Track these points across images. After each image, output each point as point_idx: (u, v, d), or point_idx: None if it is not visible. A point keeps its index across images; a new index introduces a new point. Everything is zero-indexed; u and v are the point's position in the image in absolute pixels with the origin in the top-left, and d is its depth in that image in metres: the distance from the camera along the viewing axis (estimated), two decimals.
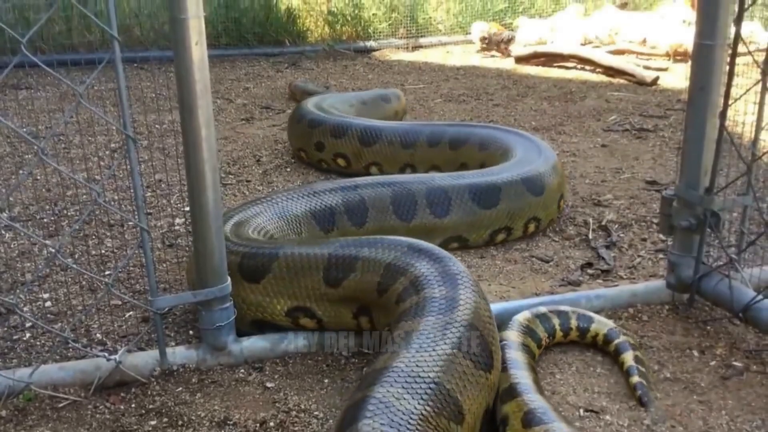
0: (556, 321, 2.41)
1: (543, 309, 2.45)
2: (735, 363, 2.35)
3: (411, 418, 1.63)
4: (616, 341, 2.37)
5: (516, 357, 2.17)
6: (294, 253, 2.44)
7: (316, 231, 3.07)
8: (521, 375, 2.08)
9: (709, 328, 2.55)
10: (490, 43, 8.17)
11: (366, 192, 3.21)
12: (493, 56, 8.18)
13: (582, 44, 7.92)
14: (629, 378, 2.24)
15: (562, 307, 2.48)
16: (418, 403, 1.68)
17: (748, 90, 2.44)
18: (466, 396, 1.81)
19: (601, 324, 2.43)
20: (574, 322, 2.43)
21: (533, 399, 1.95)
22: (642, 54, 7.68)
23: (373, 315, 2.36)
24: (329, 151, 4.37)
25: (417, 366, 1.78)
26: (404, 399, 1.67)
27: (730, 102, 2.38)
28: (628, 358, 2.30)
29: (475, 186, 3.27)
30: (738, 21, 2.32)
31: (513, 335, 2.29)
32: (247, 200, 3.60)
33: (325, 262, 2.39)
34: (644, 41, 7.80)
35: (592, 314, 2.47)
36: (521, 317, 2.39)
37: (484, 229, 3.26)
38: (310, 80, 6.91)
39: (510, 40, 8.08)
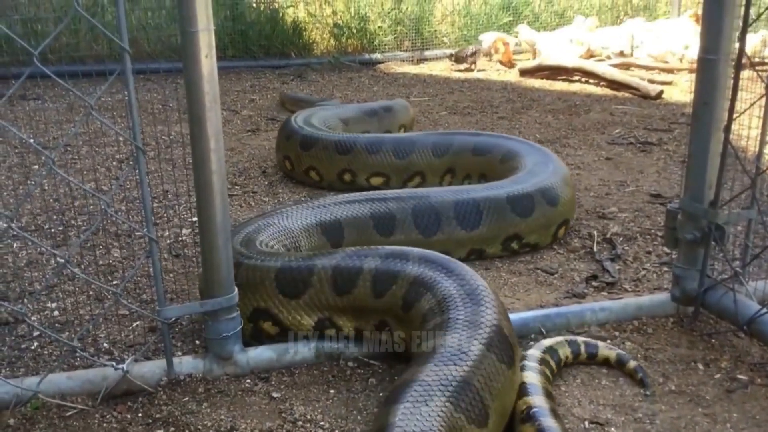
0: (550, 365, 2.35)
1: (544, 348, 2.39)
2: (740, 376, 2.35)
3: None
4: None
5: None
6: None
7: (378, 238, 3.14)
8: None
9: (713, 341, 2.56)
10: (458, 60, 8.26)
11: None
12: (498, 70, 8.22)
13: (582, 57, 7.96)
14: (626, 365, 2.35)
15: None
16: None
17: (752, 104, 2.46)
18: None
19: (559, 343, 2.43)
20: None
21: None
22: (642, 67, 7.72)
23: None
24: (281, 151, 4.52)
25: None
26: None
27: (734, 116, 2.40)
28: (611, 353, 2.41)
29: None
30: (742, 36, 2.34)
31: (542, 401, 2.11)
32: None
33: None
34: (621, 53, 7.95)
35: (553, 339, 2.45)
36: (536, 380, 2.21)
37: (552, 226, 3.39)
38: (314, 92, 6.99)
39: (474, 54, 8.16)
